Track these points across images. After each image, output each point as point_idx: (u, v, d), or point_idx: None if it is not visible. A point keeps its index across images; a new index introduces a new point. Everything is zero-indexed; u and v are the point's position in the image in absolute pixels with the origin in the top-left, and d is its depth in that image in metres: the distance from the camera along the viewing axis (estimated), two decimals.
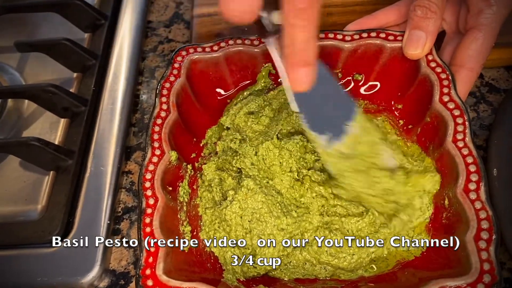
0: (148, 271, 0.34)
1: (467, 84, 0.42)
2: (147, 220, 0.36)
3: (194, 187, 0.43)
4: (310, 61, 0.31)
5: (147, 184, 0.38)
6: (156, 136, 0.40)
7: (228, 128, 0.46)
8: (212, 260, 0.40)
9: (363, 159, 0.38)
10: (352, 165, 0.38)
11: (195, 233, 0.41)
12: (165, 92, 0.42)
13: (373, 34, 0.44)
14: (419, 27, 0.42)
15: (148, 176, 0.38)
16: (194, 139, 0.45)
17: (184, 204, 0.41)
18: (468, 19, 0.42)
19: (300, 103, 0.37)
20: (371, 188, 0.38)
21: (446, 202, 0.38)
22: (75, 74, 0.53)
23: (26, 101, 0.52)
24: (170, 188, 0.40)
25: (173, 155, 0.40)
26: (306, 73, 0.32)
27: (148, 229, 0.36)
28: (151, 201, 0.37)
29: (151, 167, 0.39)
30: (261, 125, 0.44)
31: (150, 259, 0.35)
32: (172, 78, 0.43)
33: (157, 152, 0.39)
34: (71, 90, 0.51)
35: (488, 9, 0.41)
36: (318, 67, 0.34)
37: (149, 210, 0.37)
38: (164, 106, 0.42)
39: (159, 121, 0.41)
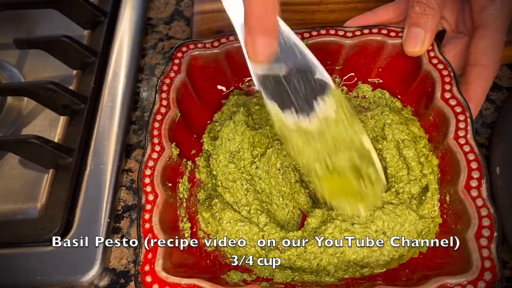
0: (147, 267, 0.34)
1: (484, 82, 0.41)
2: (147, 216, 0.36)
3: (195, 188, 0.43)
4: (269, 29, 0.30)
5: (147, 180, 0.38)
6: (156, 132, 0.40)
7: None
8: (211, 257, 0.40)
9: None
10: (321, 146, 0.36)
11: (194, 229, 0.41)
12: (165, 88, 0.42)
13: (375, 30, 0.44)
14: (418, 24, 0.41)
15: (148, 172, 0.38)
16: (195, 136, 0.45)
17: (184, 200, 0.41)
18: (472, 17, 0.42)
19: (263, 78, 0.35)
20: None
21: (448, 199, 0.37)
22: (74, 72, 0.53)
23: (25, 98, 0.52)
24: (170, 185, 0.40)
25: (175, 151, 0.40)
26: (264, 41, 0.30)
27: (147, 225, 0.36)
28: (151, 197, 0.37)
29: (150, 163, 0.38)
30: None
31: (149, 256, 0.35)
32: (172, 74, 0.43)
33: (157, 148, 0.39)
34: (70, 88, 0.51)
35: (491, 5, 0.40)
36: (290, 37, 0.33)
37: (148, 206, 0.37)
38: (164, 102, 0.41)
39: (159, 117, 0.41)
